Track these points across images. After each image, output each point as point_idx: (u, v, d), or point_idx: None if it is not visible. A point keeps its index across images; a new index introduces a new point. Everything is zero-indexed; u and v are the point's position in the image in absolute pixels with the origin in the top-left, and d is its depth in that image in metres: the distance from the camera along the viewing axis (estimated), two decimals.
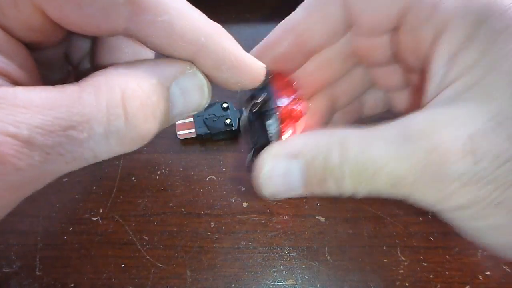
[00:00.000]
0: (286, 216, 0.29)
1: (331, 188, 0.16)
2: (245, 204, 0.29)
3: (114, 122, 0.13)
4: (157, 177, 0.30)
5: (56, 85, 0.13)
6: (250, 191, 0.30)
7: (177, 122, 0.32)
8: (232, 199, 0.30)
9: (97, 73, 0.14)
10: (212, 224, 0.29)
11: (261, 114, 0.18)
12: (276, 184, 0.16)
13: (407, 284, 0.26)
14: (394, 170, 0.15)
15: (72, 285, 0.27)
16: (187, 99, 0.15)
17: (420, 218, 0.28)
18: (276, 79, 0.19)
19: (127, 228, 0.28)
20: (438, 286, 0.26)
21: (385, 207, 0.29)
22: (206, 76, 0.16)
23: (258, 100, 0.18)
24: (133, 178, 0.31)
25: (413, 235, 0.28)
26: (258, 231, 0.28)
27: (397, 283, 0.26)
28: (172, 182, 0.30)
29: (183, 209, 0.29)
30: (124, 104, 0.13)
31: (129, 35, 0.14)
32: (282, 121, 0.18)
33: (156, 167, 0.31)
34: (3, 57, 0.14)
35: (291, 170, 0.16)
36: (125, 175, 0.31)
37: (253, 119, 0.19)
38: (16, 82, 0.14)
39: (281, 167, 0.16)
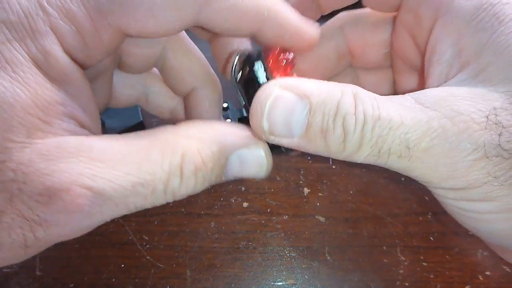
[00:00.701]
0: (286, 216, 0.29)
1: (332, 142, 0.14)
2: (245, 204, 0.29)
3: (172, 182, 0.14)
4: None
5: (127, 136, 0.14)
6: (250, 191, 0.30)
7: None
8: (232, 199, 0.30)
9: (167, 130, 0.15)
10: (212, 224, 0.29)
11: (249, 79, 0.18)
12: (277, 119, 0.15)
13: (407, 284, 0.26)
14: (410, 132, 0.13)
15: (72, 285, 0.27)
16: (244, 169, 0.16)
17: (420, 218, 0.28)
18: (271, 52, 0.18)
19: (127, 228, 0.28)
20: (438, 286, 0.26)
21: (385, 207, 0.29)
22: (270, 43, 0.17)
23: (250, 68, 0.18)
24: None
25: (413, 235, 0.28)
26: (258, 231, 0.28)
27: (397, 283, 0.26)
28: None
29: (183, 209, 0.29)
30: (182, 167, 0.14)
31: (197, 24, 0.16)
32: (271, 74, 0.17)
33: None
34: (71, 98, 0.14)
35: (296, 110, 0.14)
36: None
37: (240, 84, 0.18)
38: (81, 123, 0.14)
39: (287, 103, 0.14)
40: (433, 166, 0.14)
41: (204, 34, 0.20)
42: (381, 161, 0.14)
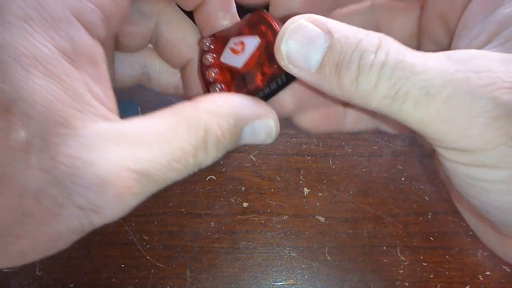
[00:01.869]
0: (286, 216, 0.29)
1: (345, 77, 0.14)
2: (245, 204, 0.29)
3: (199, 155, 0.15)
4: None
5: (151, 117, 0.15)
6: (250, 191, 0.30)
7: None
8: (232, 199, 0.30)
9: (187, 106, 0.16)
10: (212, 224, 0.29)
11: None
12: (295, 47, 0.15)
13: (407, 284, 0.26)
14: (433, 79, 0.13)
15: (72, 285, 0.27)
16: (255, 138, 0.17)
17: (420, 218, 0.28)
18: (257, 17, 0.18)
19: (127, 228, 0.28)
20: (438, 286, 0.26)
21: (385, 207, 0.29)
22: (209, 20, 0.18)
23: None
24: None
25: (413, 235, 0.28)
26: (258, 231, 0.28)
27: (397, 283, 0.26)
28: None
29: (183, 209, 0.29)
30: (205, 140, 0.15)
31: None
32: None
33: None
34: (95, 82, 0.15)
35: (316, 42, 0.15)
36: None
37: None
38: (104, 103, 0.15)
39: (309, 33, 0.15)
40: (450, 120, 0.13)
41: (188, 5, 0.20)
42: (395, 107, 0.14)
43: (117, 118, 0.15)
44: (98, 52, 0.15)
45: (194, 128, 0.15)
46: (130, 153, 0.14)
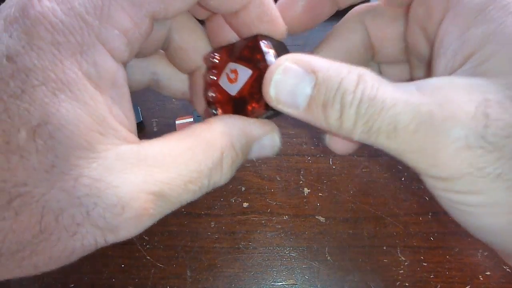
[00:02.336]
0: (286, 216, 0.29)
1: (331, 116, 0.15)
2: (245, 204, 0.29)
3: (214, 177, 0.16)
4: None
5: (168, 138, 0.16)
6: (250, 191, 0.30)
7: (177, 122, 0.32)
8: (232, 199, 0.30)
9: (203, 128, 0.16)
10: (212, 224, 0.29)
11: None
12: (283, 88, 0.16)
13: (407, 284, 0.26)
14: (399, 114, 0.14)
15: (72, 285, 0.27)
16: (261, 153, 0.19)
17: (420, 218, 0.28)
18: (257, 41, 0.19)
19: None
20: (438, 286, 0.26)
21: (385, 207, 0.29)
22: (248, 25, 0.19)
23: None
24: None
25: (413, 235, 0.28)
26: (258, 231, 0.28)
27: (397, 283, 0.26)
28: None
29: (183, 209, 0.29)
30: (221, 162, 0.16)
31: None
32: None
33: None
34: (117, 105, 0.15)
35: (302, 83, 0.16)
36: None
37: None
38: (126, 125, 0.16)
39: (295, 75, 0.16)
40: (419, 151, 0.14)
41: (200, 14, 0.21)
42: (372, 140, 0.15)
43: (136, 139, 0.15)
44: (121, 75, 0.16)
45: (211, 150, 0.16)
46: (149, 175, 0.14)
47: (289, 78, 0.16)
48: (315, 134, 0.32)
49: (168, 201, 0.15)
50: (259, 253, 0.27)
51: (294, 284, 0.26)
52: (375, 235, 0.28)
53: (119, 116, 0.15)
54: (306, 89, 0.15)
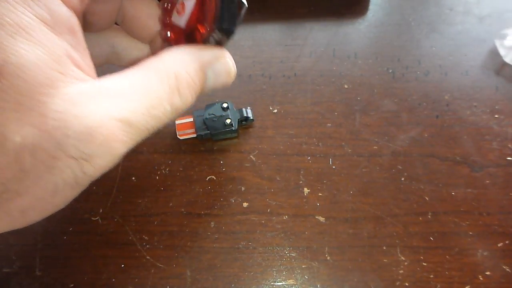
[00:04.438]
0: (286, 216, 0.29)
1: None
2: (245, 204, 0.29)
3: (174, 101, 0.17)
4: (157, 177, 0.30)
5: (124, 73, 0.17)
6: (250, 191, 0.30)
7: (176, 122, 0.32)
8: (232, 199, 0.30)
9: (153, 60, 0.18)
10: (212, 224, 0.29)
11: None
12: None
13: (407, 284, 0.26)
14: None
15: (72, 285, 0.27)
16: (217, 80, 0.20)
17: (420, 218, 0.28)
18: None
19: (127, 228, 0.28)
20: (438, 286, 0.26)
21: (385, 207, 0.29)
22: None
23: None
24: (133, 178, 0.31)
25: (413, 235, 0.28)
26: (258, 231, 0.28)
27: (397, 283, 0.26)
28: (172, 182, 0.30)
29: (183, 209, 0.29)
30: (178, 87, 0.17)
31: None
32: None
33: (156, 167, 0.31)
34: (74, 49, 0.16)
35: None
36: (125, 175, 0.31)
37: None
38: (84, 70, 0.17)
39: None
40: None
41: None
42: None
43: (95, 79, 0.16)
44: (75, 22, 0.17)
45: (165, 77, 0.17)
46: (113, 105, 0.15)
47: None
48: (315, 134, 0.32)
49: (135, 127, 0.16)
50: (259, 253, 0.27)
51: (294, 284, 0.26)
52: (375, 235, 0.28)
53: (77, 60, 0.16)
54: None
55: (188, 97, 0.18)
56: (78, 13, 0.17)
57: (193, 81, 0.18)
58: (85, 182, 0.16)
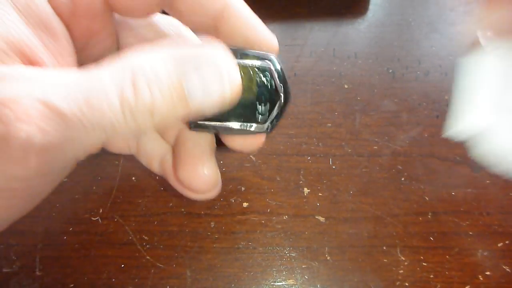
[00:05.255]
0: (286, 216, 0.29)
1: None
2: (245, 204, 0.29)
3: (126, 94, 0.14)
4: (157, 177, 0.30)
5: (76, 69, 0.15)
6: (250, 191, 0.30)
7: None
8: (232, 199, 0.30)
9: (115, 57, 0.15)
10: (212, 224, 0.29)
11: None
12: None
13: (407, 284, 0.26)
14: None
15: (72, 285, 0.27)
16: (206, 87, 0.15)
17: (420, 218, 0.28)
18: None
19: (127, 228, 0.28)
20: (438, 286, 0.26)
21: (385, 207, 0.29)
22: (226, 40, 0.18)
23: None
24: (133, 178, 0.31)
25: (413, 235, 0.28)
26: (258, 231, 0.28)
27: (397, 283, 0.26)
28: None
29: (183, 209, 0.29)
30: (133, 79, 0.14)
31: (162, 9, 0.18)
32: None
33: None
34: (44, 47, 0.16)
35: None
36: (125, 175, 0.31)
37: None
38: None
39: None
40: None
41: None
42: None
43: (47, 69, 0.15)
44: (58, 25, 0.16)
45: (120, 69, 0.14)
46: (41, 89, 0.13)
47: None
48: (315, 134, 0.32)
49: (64, 116, 0.13)
50: (259, 253, 0.27)
51: (294, 284, 0.26)
52: (375, 235, 0.28)
53: (28, 53, 0.15)
54: None
55: (146, 93, 0.14)
56: (67, 22, 0.17)
57: (156, 76, 0.14)
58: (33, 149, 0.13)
